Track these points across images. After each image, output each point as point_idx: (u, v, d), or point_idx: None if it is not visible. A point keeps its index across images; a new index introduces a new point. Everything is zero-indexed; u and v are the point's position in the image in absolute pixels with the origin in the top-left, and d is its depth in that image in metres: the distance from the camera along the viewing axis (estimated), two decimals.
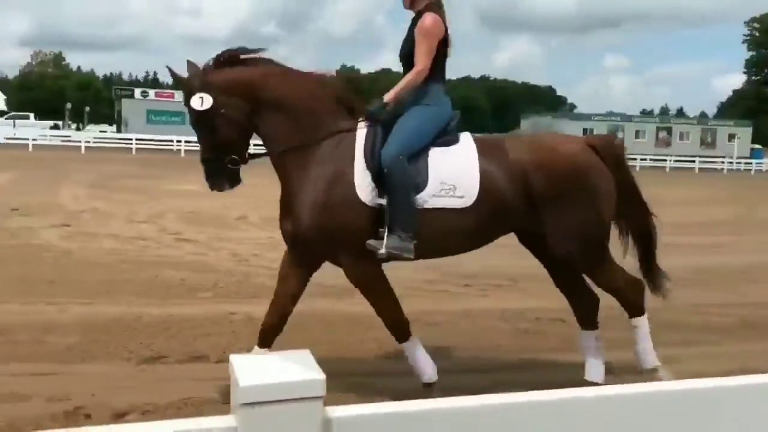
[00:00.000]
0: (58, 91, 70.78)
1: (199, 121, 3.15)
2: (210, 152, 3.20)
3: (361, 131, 3.24)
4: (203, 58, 3.37)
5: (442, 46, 3.34)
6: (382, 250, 3.06)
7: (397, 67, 3.49)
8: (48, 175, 17.43)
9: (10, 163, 21.88)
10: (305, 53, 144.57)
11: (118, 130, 44.17)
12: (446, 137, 3.31)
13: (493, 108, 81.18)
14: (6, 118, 50.43)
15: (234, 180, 3.26)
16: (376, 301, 3.34)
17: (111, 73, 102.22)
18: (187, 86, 3.17)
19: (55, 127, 48.05)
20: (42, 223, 9.01)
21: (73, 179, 16.44)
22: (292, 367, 1.22)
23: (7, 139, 35.04)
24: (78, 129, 49.42)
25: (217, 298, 5.47)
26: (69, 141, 36.06)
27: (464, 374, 3.79)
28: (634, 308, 3.46)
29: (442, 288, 6.13)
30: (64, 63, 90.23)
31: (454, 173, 3.18)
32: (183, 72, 3.26)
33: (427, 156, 3.22)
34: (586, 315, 3.65)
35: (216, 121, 3.13)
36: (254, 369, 1.21)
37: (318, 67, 3.39)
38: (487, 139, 3.47)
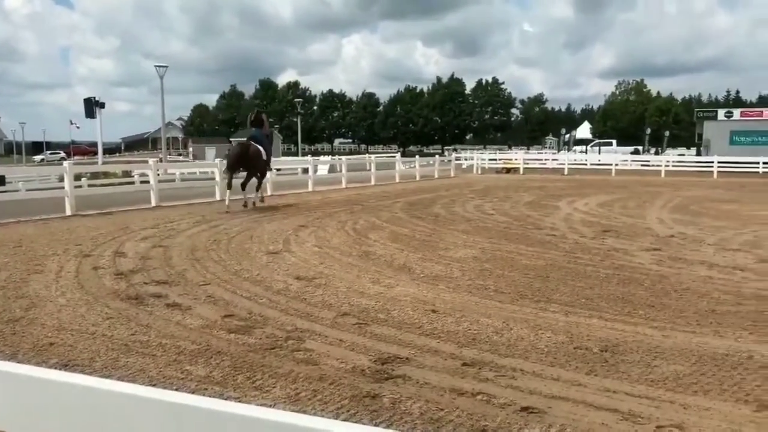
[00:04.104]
0: (638, 118, 73.99)
1: None
2: None
3: None
4: None
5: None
6: None
7: None
8: (631, 199, 18.28)
9: (597, 187, 23.86)
10: None
11: (698, 153, 43.16)
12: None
13: None
14: (592, 146, 55.72)
15: None
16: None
17: (690, 96, 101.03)
18: None
19: (636, 152, 50.33)
20: (633, 246, 9.41)
21: (656, 203, 16.79)
22: None
23: (592, 164, 38.53)
24: (657, 153, 50.50)
25: None
26: (648, 165, 37.18)
27: None
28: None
29: None
30: (645, 90, 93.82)
31: None
32: None
33: None
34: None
35: None
36: None
37: None
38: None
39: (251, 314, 5.48)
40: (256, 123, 15.27)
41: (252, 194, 14.92)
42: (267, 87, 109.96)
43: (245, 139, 15.09)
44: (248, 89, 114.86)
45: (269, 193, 17.31)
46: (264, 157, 14.74)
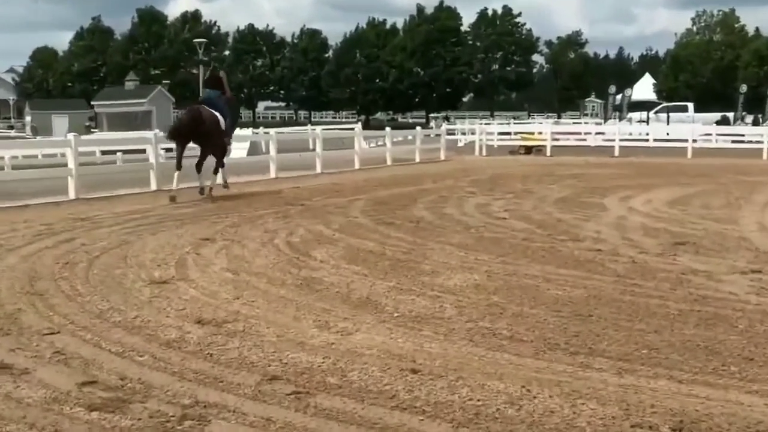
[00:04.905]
0: (727, 68, 75.18)
1: None
2: None
3: None
4: None
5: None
6: None
7: None
8: (717, 194, 18.52)
9: (664, 175, 24.11)
10: None
11: None
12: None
13: None
14: (656, 112, 56.12)
15: None
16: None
17: None
18: None
19: (723, 121, 51.00)
20: (720, 267, 9.53)
21: (755, 200, 17.05)
22: None
23: (657, 140, 38.77)
24: (755, 123, 51.31)
25: None
26: (742, 141, 37.68)
27: None
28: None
29: None
30: (736, 25, 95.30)
31: None
32: None
33: None
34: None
35: None
36: None
37: None
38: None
39: (126, 380, 5.40)
40: (211, 83, 18.20)
41: (208, 180, 17.16)
42: (150, 21, 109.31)
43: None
44: (120, 24, 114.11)
45: (154, 187, 17.19)
46: (222, 126, 16.86)
